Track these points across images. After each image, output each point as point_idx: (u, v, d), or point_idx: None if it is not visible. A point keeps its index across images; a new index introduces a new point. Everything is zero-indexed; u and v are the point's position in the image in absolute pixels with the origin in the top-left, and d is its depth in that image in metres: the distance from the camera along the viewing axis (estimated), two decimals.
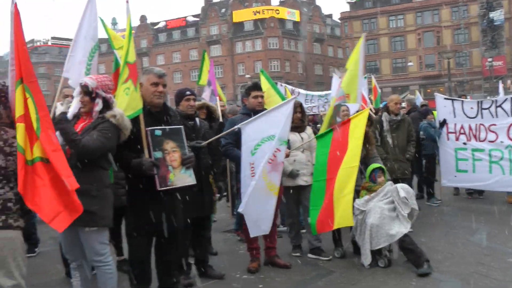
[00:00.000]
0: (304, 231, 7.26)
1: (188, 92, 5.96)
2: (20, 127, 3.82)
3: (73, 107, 4.60)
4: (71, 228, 4.28)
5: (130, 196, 4.86)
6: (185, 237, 5.57)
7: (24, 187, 3.71)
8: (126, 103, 4.75)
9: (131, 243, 4.90)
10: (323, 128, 7.06)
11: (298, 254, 6.99)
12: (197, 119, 6.00)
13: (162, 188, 4.59)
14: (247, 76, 64.70)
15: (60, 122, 4.35)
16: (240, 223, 8.14)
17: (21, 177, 3.70)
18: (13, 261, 3.80)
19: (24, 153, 3.78)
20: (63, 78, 5.21)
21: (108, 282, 4.52)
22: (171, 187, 4.66)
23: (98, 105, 4.51)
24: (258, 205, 5.78)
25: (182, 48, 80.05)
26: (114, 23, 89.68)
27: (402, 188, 6.36)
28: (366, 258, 6.23)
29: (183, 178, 4.76)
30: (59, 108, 4.48)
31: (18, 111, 3.84)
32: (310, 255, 6.88)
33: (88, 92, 4.50)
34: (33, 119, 3.87)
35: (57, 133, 4.61)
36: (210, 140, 5.58)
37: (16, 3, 3.87)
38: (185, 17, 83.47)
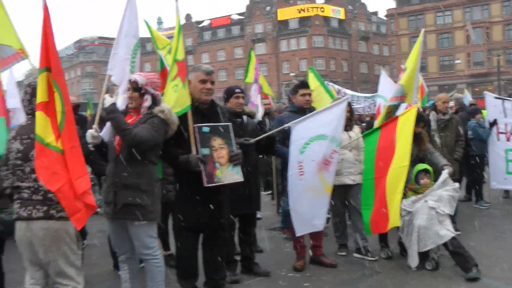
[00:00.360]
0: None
1: (237, 90, 6.00)
2: (39, 114, 3.79)
3: (119, 104, 4.69)
4: (120, 221, 4.50)
5: (177, 192, 4.90)
6: (232, 234, 5.59)
7: (46, 171, 3.67)
8: (175, 100, 4.80)
9: (178, 239, 4.94)
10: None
11: (344, 253, 6.93)
12: (244, 117, 6.01)
13: (209, 185, 4.61)
14: (292, 74, 64.61)
15: (112, 112, 4.40)
16: (286, 221, 8.14)
17: (42, 162, 3.66)
18: (58, 250, 3.86)
19: (41, 141, 3.72)
20: (108, 75, 5.26)
21: (156, 276, 4.57)
22: (217, 183, 4.68)
23: (147, 101, 4.56)
24: (309, 204, 5.76)
25: (226, 46, 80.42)
26: (159, 22, 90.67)
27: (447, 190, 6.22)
28: (413, 260, 6.10)
29: (230, 175, 4.77)
30: (108, 99, 4.56)
31: (39, 98, 3.81)
32: (356, 255, 6.81)
33: (137, 89, 4.55)
34: (58, 112, 3.84)
35: (107, 125, 4.79)
36: (259, 137, 5.57)
37: (45, 2, 3.91)
38: (230, 15, 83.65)
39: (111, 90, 4.94)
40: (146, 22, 7.21)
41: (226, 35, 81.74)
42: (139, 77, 4.61)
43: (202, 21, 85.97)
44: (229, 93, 6.01)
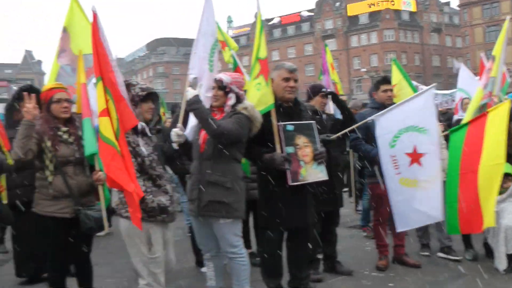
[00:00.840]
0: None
1: (324, 89, 6.01)
2: (105, 120, 4.09)
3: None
4: (205, 219, 4.57)
5: (261, 191, 4.90)
6: (315, 232, 5.55)
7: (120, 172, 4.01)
8: (258, 99, 4.81)
9: (263, 237, 4.94)
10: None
11: (427, 253, 6.73)
12: (323, 114, 5.96)
13: (294, 183, 4.59)
14: (363, 70, 63.71)
15: (195, 103, 4.46)
16: (367, 219, 8.02)
17: (116, 164, 4.01)
18: (144, 246, 4.26)
19: (114, 145, 4.05)
20: (188, 76, 5.30)
21: (241, 274, 4.59)
22: (302, 182, 4.65)
23: (231, 99, 4.60)
24: (413, 197, 5.60)
25: (297, 43, 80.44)
26: (229, 21, 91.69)
27: None
28: (501, 263, 5.82)
29: (314, 173, 4.74)
30: (191, 92, 4.58)
31: (100, 105, 4.11)
32: (440, 254, 6.60)
33: (222, 87, 4.61)
34: (114, 119, 4.12)
35: (191, 123, 4.90)
36: (339, 133, 5.53)
37: (95, 11, 4.24)
38: (299, 12, 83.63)
39: (194, 84, 5.02)
40: (217, 24, 7.26)
41: (296, 32, 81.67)
42: (224, 76, 4.66)
43: (271, 19, 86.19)
44: (315, 91, 6.00)
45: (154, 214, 4.23)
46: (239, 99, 4.63)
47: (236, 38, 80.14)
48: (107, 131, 4.08)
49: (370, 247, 6.86)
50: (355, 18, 75.86)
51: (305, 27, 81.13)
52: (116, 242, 7.60)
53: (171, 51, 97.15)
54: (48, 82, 5.53)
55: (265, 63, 4.95)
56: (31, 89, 5.52)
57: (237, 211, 4.49)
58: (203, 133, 4.57)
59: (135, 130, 4.37)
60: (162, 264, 4.37)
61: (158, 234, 4.31)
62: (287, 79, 4.86)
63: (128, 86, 4.42)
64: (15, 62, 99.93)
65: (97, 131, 4.33)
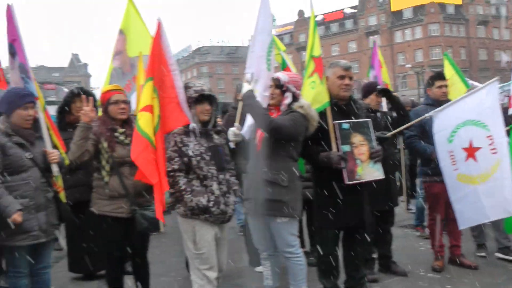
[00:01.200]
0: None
1: (379, 86, 5.98)
2: (147, 115, 4.20)
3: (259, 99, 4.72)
4: (261, 218, 4.57)
5: (317, 190, 4.86)
6: (371, 231, 5.48)
7: (149, 165, 4.13)
8: (312, 97, 4.78)
9: (319, 236, 4.93)
10: None
11: (483, 254, 6.56)
12: (378, 112, 5.89)
13: (350, 182, 4.54)
14: (408, 65, 62.70)
15: (249, 98, 4.50)
16: (421, 218, 7.88)
17: (147, 157, 4.12)
18: (191, 242, 4.35)
19: (148, 139, 4.15)
20: (245, 75, 5.22)
21: (298, 274, 4.57)
22: (359, 181, 4.60)
23: (288, 98, 4.59)
24: (476, 192, 5.38)
25: (340, 40, 79.94)
26: (273, 19, 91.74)
27: None
28: None
29: (371, 172, 4.68)
30: (245, 86, 4.60)
31: (144, 101, 4.24)
32: (498, 254, 6.43)
33: (279, 86, 4.61)
34: (155, 115, 4.24)
35: (248, 122, 4.90)
36: (395, 130, 5.44)
37: (159, 21, 4.38)
38: (343, 9, 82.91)
39: (251, 80, 5.04)
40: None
41: (339, 29, 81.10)
42: (281, 75, 4.67)
43: (315, 16, 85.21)
44: (370, 89, 5.95)
45: (196, 213, 4.25)
46: (295, 98, 4.61)
47: (280, 37, 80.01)
48: (146, 125, 4.18)
49: (424, 247, 6.75)
50: (399, 13, 74.71)
51: (349, 24, 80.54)
52: (169, 241, 7.73)
53: (215, 50, 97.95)
54: (104, 83, 5.64)
55: (319, 61, 4.93)
56: (83, 92, 5.65)
57: (294, 210, 4.45)
58: (259, 132, 4.57)
59: (186, 131, 4.39)
60: (209, 261, 4.34)
61: (203, 232, 4.30)
62: (342, 77, 4.81)
63: (186, 88, 4.47)
64: (62, 66, 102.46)
65: None
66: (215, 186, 4.33)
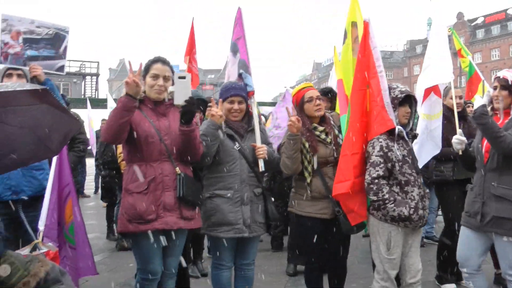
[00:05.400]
0: None
1: None
2: (345, 118, 4.39)
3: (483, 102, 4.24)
4: (483, 234, 4.21)
5: None
6: None
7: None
8: None
9: None
10: None
11: None
12: None
13: None
14: None
15: (481, 118, 4.04)
16: None
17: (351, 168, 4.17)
18: (384, 245, 4.21)
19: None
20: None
21: None
22: None
23: None
24: None
25: (501, 44, 75.69)
26: (429, 23, 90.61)
27: None
28: None
29: None
30: (478, 100, 4.17)
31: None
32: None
33: (506, 86, 4.15)
34: (346, 121, 4.34)
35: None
36: None
37: (367, 21, 4.40)
38: (506, 10, 78.29)
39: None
40: (453, 31, 7.54)
41: (501, 31, 76.66)
42: (509, 74, 4.18)
43: (475, 19, 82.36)
44: None
45: (396, 220, 4.08)
46: None
47: None
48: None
49: None
50: None
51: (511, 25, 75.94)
52: None
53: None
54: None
55: None
56: None
57: None
58: (486, 141, 4.19)
59: (391, 135, 4.21)
60: (397, 266, 4.21)
61: (398, 238, 4.14)
62: None
63: (389, 89, 4.31)
64: (218, 68, 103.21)
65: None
66: (416, 191, 4.16)
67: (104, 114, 14.04)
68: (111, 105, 14.11)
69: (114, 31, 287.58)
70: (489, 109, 4.19)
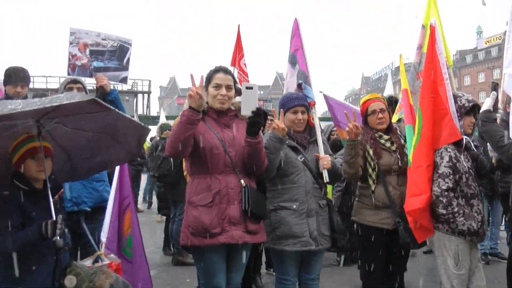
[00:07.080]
0: None
1: None
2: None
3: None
4: None
5: None
6: None
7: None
8: None
9: None
10: None
11: None
12: None
13: None
14: None
15: (484, 124, 4.05)
16: None
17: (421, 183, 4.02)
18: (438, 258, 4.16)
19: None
20: (504, 75, 4.83)
21: None
22: None
23: None
24: None
25: None
26: (479, 31, 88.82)
27: None
28: None
29: None
30: (486, 103, 4.12)
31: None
32: None
33: None
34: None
35: None
36: None
37: (433, 25, 4.28)
38: None
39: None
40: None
41: None
42: None
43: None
44: None
45: (464, 234, 3.97)
46: None
47: (487, 50, 76.89)
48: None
49: None
50: None
51: None
52: None
53: None
54: (401, 78, 5.46)
55: None
56: None
57: None
58: None
59: (458, 145, 4.09)
60: (465, 282, 4.06)
61: (465, 252, 4.02)
62: None
63: (455, 98, 4.20)
64: (267, 84, 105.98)
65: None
66: (480, 205, 4.07)
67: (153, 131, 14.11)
68: (164, 121, 14.21)
69: (166, 48, 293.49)
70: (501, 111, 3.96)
